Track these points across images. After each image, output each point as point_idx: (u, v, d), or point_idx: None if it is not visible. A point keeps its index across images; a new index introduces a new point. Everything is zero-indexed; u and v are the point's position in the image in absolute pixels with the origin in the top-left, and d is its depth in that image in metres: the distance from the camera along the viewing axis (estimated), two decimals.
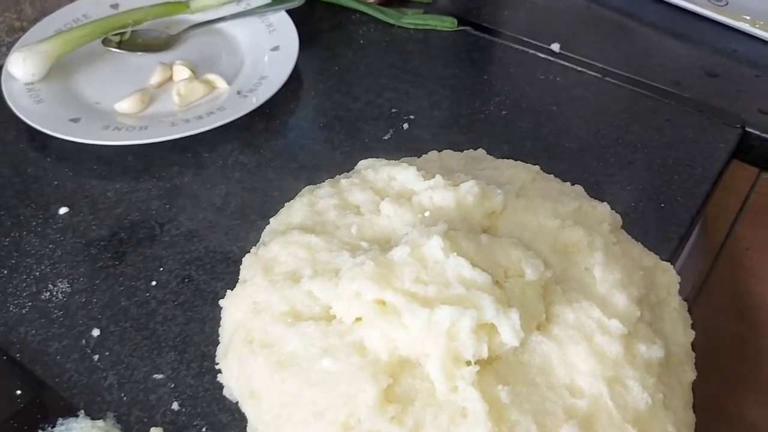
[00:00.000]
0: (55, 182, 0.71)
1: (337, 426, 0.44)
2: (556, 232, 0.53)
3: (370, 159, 0.61)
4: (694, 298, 0.93)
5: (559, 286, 0.50)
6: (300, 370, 0.47)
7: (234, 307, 0.52)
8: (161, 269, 0.63)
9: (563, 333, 0.47)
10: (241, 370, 0.49)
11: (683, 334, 0.52)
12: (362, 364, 0.45)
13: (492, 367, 0.46)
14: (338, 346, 0.47)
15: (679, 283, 0.54)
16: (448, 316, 0.44)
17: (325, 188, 0.58)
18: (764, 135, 0.76)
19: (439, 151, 0.65)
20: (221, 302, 0.53)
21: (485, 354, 0.45)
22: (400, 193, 0.55)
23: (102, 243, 0.65)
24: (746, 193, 0.82)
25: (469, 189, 0.53)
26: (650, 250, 0.58)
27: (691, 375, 0.50)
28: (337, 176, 0.61)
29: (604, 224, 0.55)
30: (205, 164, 0.73)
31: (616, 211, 0.60)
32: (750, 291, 0.92)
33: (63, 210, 0.68)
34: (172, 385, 0.55)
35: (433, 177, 0.54)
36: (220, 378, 0.52)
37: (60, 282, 0.62)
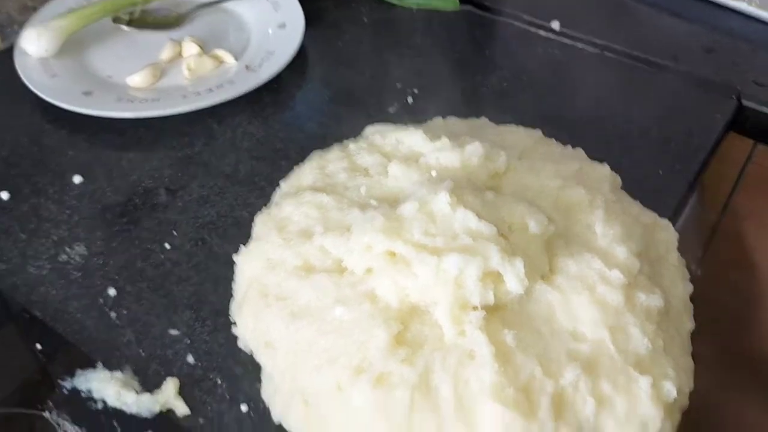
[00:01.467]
0: (70, 152, 0.73)
1: (349, 370, 0.46)
2: (558, 191, 0.55)
3: (377, 125, 0.63)
4: (700, 270, 0.94)
5: (561, 239, 0.52)
6: (314, 320, 0.49)
7: (248, 264, 0.54)
8: (175, 233, 0.65)
9: (566, 283, 0.49)
10: (256, 323, 0.51)
11: (682, 288, 0.54)
12: (373, 312, 0.47)
13: (498, 314, 0.48)
14: (350, 295, 0.49)
15: (678, 240, 0.56)
16: (456, 263, 0.46)
17: (335, 152, 0.60)
18: (759, 107, 0.78)
19: (443, 119, 0.67)
20: (235, 257, 0.55)
21: (491, 300, 0.47)
22: (408, 156, 0.57)
23: (117, 208, 0.67)
24: (743, 164, 0.84)
25: (473, 150, 0.55)
26: None
27: (689, 325, 0.52)
28: (345, 141, 0.63)
29: (605, 184, 0.57)
30: (215, 135, 0.75)
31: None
32: (748, 263, 0.94)
33: (78, 179, 0.70)
34: (188, 341, 0.57)
35: (440, 139, 0.56)
36: (234, 330, 0.54)
37: (77, 245, 0.64)
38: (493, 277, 0.48)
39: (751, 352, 1.00)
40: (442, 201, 0.50)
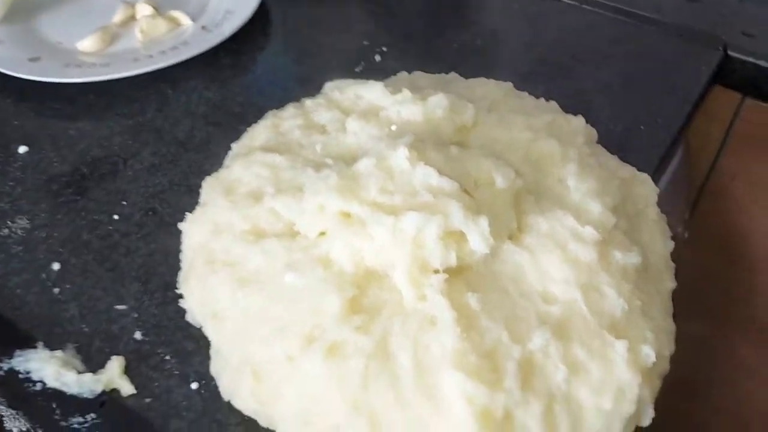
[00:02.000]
0: (15, 122, 0.68)
1: (300, 339, 0.42)
2: (529, 144, 0.51)
3: (336, 80, 0.59)
4: (687, 233, 0.91)
5: (531, 195, 0.48)
6: (263, 287, 0.45)
7: (194, 230, 0.50)
8: (124, 203, 0.61)
9: (536, 241, 0.46)
10: (202, 292, 0.47)
11: (662, 244, 0.50)
12: (326, 277, 0.44)
13: (462, 276, 0.44)
14: (302, 260, 0.45)
15: (658, 195, 0.52)
16: (414, 222, 0.42)
17: (289, 110, 0.56)
18: (746, 57, 0.74)
19: (409, 74, 0.63)
20: (180, 225, 0.51)
21: (454, 262, 0.43)
22: (367, 111, 0.53)
23: (63, 179, 0.63)
24: (730, 121, 0.80)
25: (437, 102, 0.51)
26: None
27: (670, 284, 0.49)
28: (303, 99, 0.59)
29: (579, 137, 0.53)
30: (168, 100, 0.71)
31: (598, 133, 0.58)
32: (737, 223, 0.90)
33: (23, 149, 0.65)
34: (136, 315, 0.53)
35: (401, 92, 0.52)
36: (182, 303, 0.50)
37: (19, 218, 0.59)
38: (455, 237, 0.44)
39: (737, 313, 0.97)
40: (400, 156, 0.46)
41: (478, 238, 0.43)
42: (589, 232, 0.45)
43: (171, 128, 0.68)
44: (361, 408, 0.40)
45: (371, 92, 0.54)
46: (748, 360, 1.02)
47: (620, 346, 0.42)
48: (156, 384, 0.49)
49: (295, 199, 0.46)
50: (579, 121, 0.55)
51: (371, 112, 0.53)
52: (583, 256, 0.45)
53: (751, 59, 0.73)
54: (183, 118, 0.69)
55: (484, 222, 0.43)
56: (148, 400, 0.49)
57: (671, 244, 0.50)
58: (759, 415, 1.09)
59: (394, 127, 0.50)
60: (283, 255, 0.45)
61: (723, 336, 1.01)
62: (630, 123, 0.66)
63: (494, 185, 0.46)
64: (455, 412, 0.39)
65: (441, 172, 0.45)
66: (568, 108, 0.64)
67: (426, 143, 0.48)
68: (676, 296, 0.98)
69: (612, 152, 0.58)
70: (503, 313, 0.43)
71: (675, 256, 0.82)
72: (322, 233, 0.45)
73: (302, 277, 0.44)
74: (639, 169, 0.58)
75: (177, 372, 0.50)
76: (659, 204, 0.69)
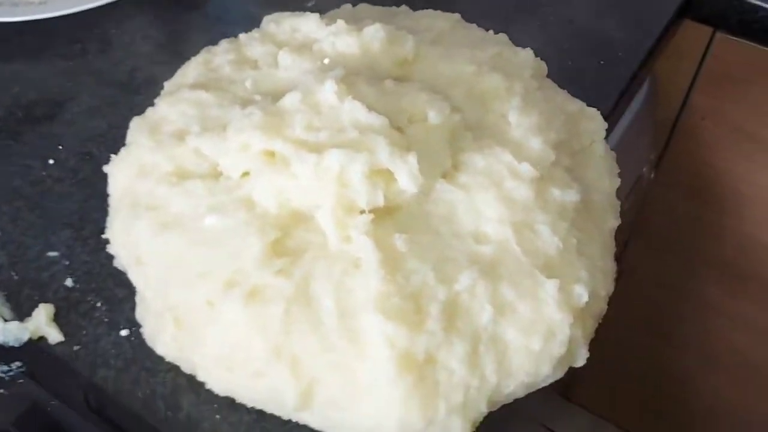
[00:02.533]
0: None
1: (221, 283, 0.41)
2: (473, 78, 0.49)
3: (275, 13, 0.56)
4: (653, 173, 0.89)
5: (470, 132, 0.46)
6: (185, 230, 0.43)
7: (119, 173, 0.48)
8: (60, 147, 0.58)
9: (471, 180, 0.44)
10: (127, 237, 0.46)
11: (608, 182, 0.48)
12: (248, 219, 0.42)
13: (392, 216, 0.42)
14: (225, 202, 0.43)
15: (606, 130, 0.50)
16: (338, 160, 0.40)
17: (223, 44, 0.53)
18: None
19: (354, 6, 0.60)
20: (105, 168, 0.49)
21: (381, 201, 0.41)
22: (302, 44, 0.50)
23: None
24: (700, 58, 0.77)
25: (374, 34, 0.48)
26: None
27: (613, 222, 0.47)
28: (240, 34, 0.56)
29: (526, 70, 0.50)
30: (111, 40, 0.67)
31: (553, 70, 0.56)
32: (707, 165, 0.88)
33: None
34: (67, 263, 0.51)
35: (336, 23, 0.49)
36: (108, 248, 0.48)
37: None
38: (384, 176, 0.42)
39: (705, 253, 0.96)
40: (328, 91, 0.43)
41: (406, 176, 0.41)
42: (526, 168, 0.43)
43: (112, 69, 0.65)
44: (282, 353, 0.39)
45: (306, 24, 0.51)
46: (716, 298, 1.02)
47: (551, 286, 0.40)
48: (85, 332, 0.48)
49: (220, 138, 0.44)
50: (527, 53, 0.52)
51: (306, 45, 0.50)
52: (518, 194, 0.43)
53: None
54: (126, 59, 0.66)
55: (412, 159, 0.41)
56: (76, 348, 0.47)
57: (617, 182, 0.48)
58: (725, 351, 1.09)
59: (327, 61, 0.48)
60: (206, 197, 0.43)
61: (690, 275, 1.01)
62: (589, 57, 0.64)
63: (428, 121, 0.44)
64: (376, 355, 0.38)
65: (372, 108, 0.43)
66: (526, 42, 0.62)
67: (359, 77, 0.45)
68: (642, 235, 0.97)
69: (568, 88, 0.56)
70: (432, 254, 0.41)
71: (641, 195, 0.81)
72: (246, 173, 0.43)
73: (224, 219, 0.42)
74: (595, 106, 0.55)
75: (107, 319, 0.49)
76: (621, 143, 0.67)
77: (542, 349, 0.40)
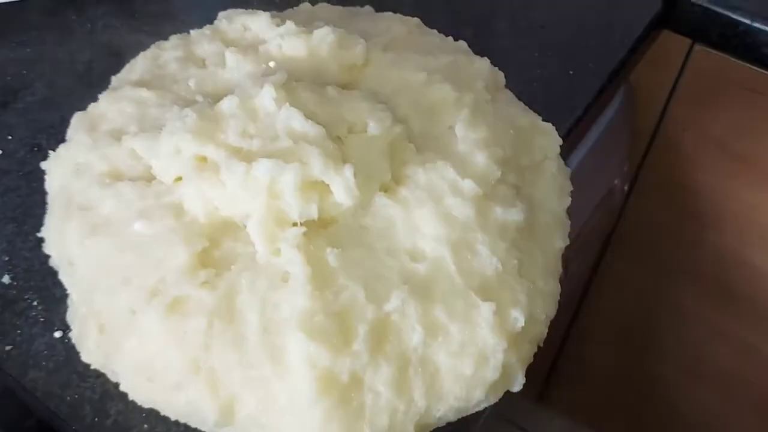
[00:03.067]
0: None
1: (144, 292, 0.39)
2: (421, 87, 0.47)
3: (230, 9, 0.54)
4: (627, 185, 0.88)
5: (413, 144, 0.44)
6: (113, 234, 0.42)
7: (56, 170, 0.46)
8: (9, 137, 0.57)
9: (411, 195, 0.42)
10: (59, 237, 0.44)
11: (557, 201, 0.47)
12: (175, 227, 0.40)
13: (326, 230, 0.41)
14: (154, 207, 0.42)
15: (561, 146, 0.49)
16: (268, 170, 0.39)
17: (172, 40, 0.51)
18: (695, 0, 0.68)
19: (313, 5, 0.58)
20: (42, 164, 0.48)
21: (314, 214, 0.40)
22: (250, 44, 0.49)
23: None
24: (679, 68, 0.75)
25: (322, 37, 0.47)
26: (552, 120, 0.52)
27: (560, 243, 0.45)
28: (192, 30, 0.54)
29: (479, 81, 0.49)
30: (70, 28, 0.66)
31: (520, 79, 0.54)
32: (687, 177, 0.87)
33: None
34: (6, 258, 0.50)
35: (285, 23, 0.48)
36: (44, 247, 0.47)
37: None
38: (319, 188, 0.40)
39: (683, 265, 0.94)
40: (265, 96, 0.42)
41: (341, 189, 0.40)
42: (468, 186, 0.42)
43: (70, 59, 0.63)
44: (200, 368, 0.38)
45: (257, 23, 0.49)
46: (695, 310, 1.01)
47: (486, 309, 0.39)
48: (18, 331, 0.47)
49: (154, 140, 0.43)
50: (482, 63, 0.50)
51: (253, 45, 0.48)
52: (459, 212, 0.41)
53: (699, 2, 0.68)
54: (84, 48, 0.64)
55: (348, 172, 0.40)
56: (8, 348, 0.46)
57: (567, 201, 0.47)
58: (705, 361, 1.08)
59: (272, 64, 0.46)
60: (136, 201, 0.42)
61: (669, 286, 0.99)
62: (557, 67, 0.62)
63: (368, 132, 0.43)
64: (296, 374, 0.37)
65: (311, 116, 0.42)
66: (496, 48, 0.60)
67: (300, 83, 0.44)
68: (620, 247, 0.96)
69: (534, 98, 0.54)
70: (365, 270, 0.40)
71: (614, 207, 0.79)
72: (179, 178, 0.42)
73: (151, 226, 0.41)
74: (561, 119, 0.54)
75: (42, 319, 0.47)
76: (591, 155, 0.65)
77: (474, 373, 0.39)
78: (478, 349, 0.39)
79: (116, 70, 0.61)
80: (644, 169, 0.87)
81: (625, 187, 0.81)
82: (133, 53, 0.63)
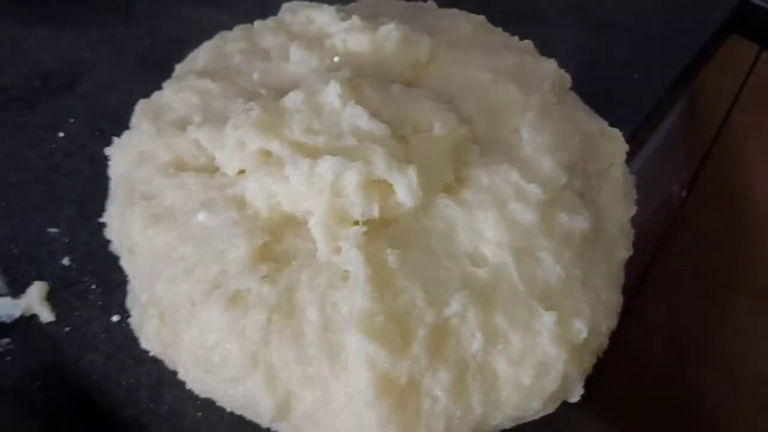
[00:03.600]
0: None
1: (205, 284, 0.39)
2: (487, 87, 0.46)
3: (294, 1, 0.54)
4: (684, 192, 0.85)
5: (478, 146, 0.43)
6: (175, 224, 0.42)
7: (119, 157, 0.47)
8: (72, 120, 0.58)
9: (474, 197, 0.42)
10: (121, 224, 0.45)
11: (623, 209, 0.45)
12: (238, 220, 0.40)
13: (387, 230, 0.41)
14: (217, 199, 0.42)
15: (629, 152, 0.47)
16: (333, 168, 0.39)
17: (236, 31, 0.51)
18: (766, 5, 0.66)
19: None
20: (106, 150, 0.48)
21: (376, 213, 0.40)
22: (315, 38, 0.48)
23: (12, 91, 0.60)
24: (745, 75, 0.73)
25: (388, 33, 0.46)
26: (615, 124, 0.51)
27: (624, 253, 0.44)
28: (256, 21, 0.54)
29: (546, 82, 0.48)
30: (135, 14, 0.67)
31: (583, 80, 0.53)
32: (746, 186, 0.84)
33: None
34: (67, 240, 0.51)
35: (351, 18, 0.47)
36: (105, 232, 0.48)
37: None
38: (381, 187, 0.40)
39: (736, 277, 0.92)
40: (331, 93, 0.41)
41: (404, 189, 0.39)
42: (533, 191, 0.41)
43: (132, 44, 0.64)
44: (259, 362, 0.38)
45: (321, 17, 0.49)
46: (744, 324, 0.98)
47: (548, 319, 0.38)
48: (77, 313, 0.48)
49: (219, 132, 0.43)
50: (550, 64, 0.49)
51: (317, 39, 0.48)
52: (522, 217, 0.41)
53: None
54: (146, 34, 0.65)
55: (412, 172, 0.39)
56: (66, 329, 0.47)
57: (633, 209, 0.46)
58: (750, 377, 1.05)
59: (337, 59, 0.46)
60: (199, 192, 0.42)
61: (719, 298, 0.97)
62: (622, 69, 0.60)
63: (433, 132, 0.42)
64: (355, 374, 0.37)
65: (375, 114, 0.41)
66: (561, 47, 0.59)
67: (365, 80, 0.43)
68: (672, 254, 0.93)
69: (596, 102, 0.53)
70: (424, 273, 0.39)
71: (671, 215, 0.77)
72: (242, 171, 0.42)
73: (214, 217, 0.41)
74: (624, 123, 0.52)
75: (100, 303, 0.48)
76: (651, 160, 0.63)
77: (533, 383, 0.38)
78: (538, 358, 0.38)
79: (177, 56, 0.62)
80: (702, 176, 0.84)
81: (683, 194, 0.79)
82: (194, 41, 0.63)
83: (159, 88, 0.59)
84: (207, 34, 0.63)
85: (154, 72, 0.61)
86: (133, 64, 0.62)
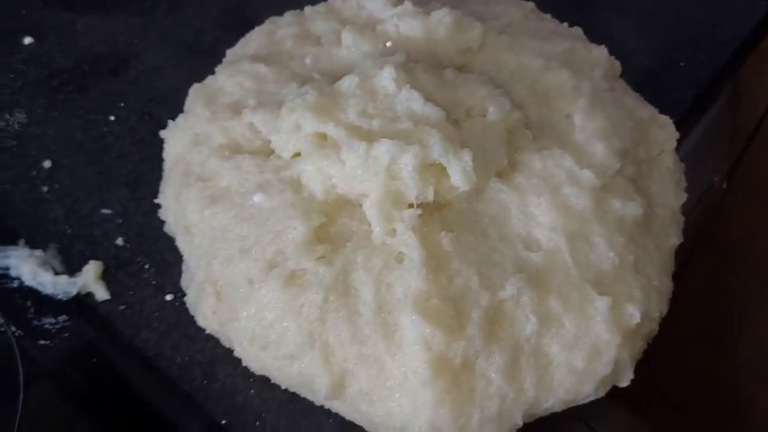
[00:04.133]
0: (23, 12, 0.66)
1: (262, 263, 0.40)
2: (538, 73, 0.46)
3: None
4: (725, 183, 0.84)
5: (530, 131, 0.44)
6: (231, 205, 0.43)
7: (175, 139, 0.48)
8: (122, 104, 0.59)
9: (527, 182, 0.42)
10: (177, 205, 0.46)
11: (673, 196, 0.45)
12: (294, 201, 0.41)
13: (440, 213, 0.41)
14: (272, 181, 0.42)
15: (678, 140, 0.47)
16: (388, 151, 0.39)
17: (287, 17, 0.52)
18: None
19: None
20: (162, 133, 0.49)
21: (430, 197, 0.40)
22: (366, 23, 0.49)
23: (65, 75, 0.61)
24: None
25: (440, 18, 0.46)
26: (661, 112, 0.51)
27: (674, 240, 0.44)
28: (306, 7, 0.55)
29: (597, 69, 0.48)
30: (182, 2, 0.67)
31: (628, 67, 0.53)
32: None
33: (28, 40, 0.64)
34: (120, 221, 0.52)
35: (402, 3, 0.48)
36: (160, 213, 0.49)
37: (18, 112, 0.59)
38: (436, 171, 0.40)
39: None
40: (386, 77, 0.42)
41: (459, 173, 0.40)
42: (586, 176, 0.41)
43: (180, 30, 0.65)
44: (315, 340, 0.39)
45: (372, 2, 0.49)
46: None
47: (602, 303, 0.39)
48: (131, 292, 0.49)
49: (274, 115, 0.44)
50: (600, 51, 0.49)
51: (369, 25, 0.48)
52: (576, 202, 0.41)
53: None
54: (193, 20, 0.66)
55: (467, 156, 0.40)
56: (121, 307, 0.48)
57: (683, 197, 0.46)
58: None
59: (389, 44, 0.46)
60: (255, 174, 0.43)
61: (758, 291, 0.96)
62: (668, 58, 0.60)
63: (486, 116, 0.42)
64: (411, 355, 0.37)
65: (429, 98, 0.42)
66: (605, 35, 0.58)
67: (418, 65, 0.44)
68: (711, 247, 0.92)
69: (642, 89, 0.53)
70: (478, 256, 0.40)
71: (711, 205, 0.76)
72: (297, 154, 0.43)
73: (270, 199, 0.42)
74: (669, 111, 0.52)
75: (154, 282, 0.49)
76: (694, 150, 0.63)
77: (586, 367, 0.39)
78: (591, 342, 0.39)
79: (224, 42, 0.63)
80: (742, 167, 0.84)
81: (724, 185, 0.78)
82: (241, 27, 0.64)
83: (205, 73, 0.60)
84: (251, 23, 0.64)
85: (200, 58, 0.62)
86: (180, 51, 0.63)
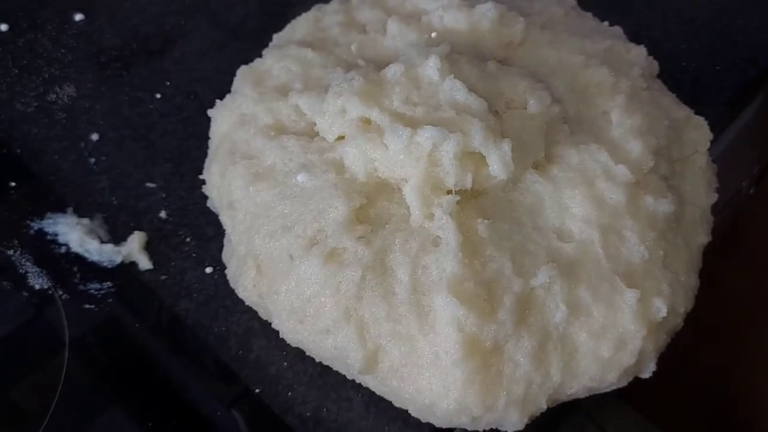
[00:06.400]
0: None
1: (303, 240, 0.42)
2: (578, 69, 0.47)
3: None
4: (753, 188, 0.85)
5: (568, 125, 0.45)
6: (275, 183, 0.44)
7: (222, 118, 0.50)
8: (168, 83, 0.61)
9: (562, 174, 0.43)
10: (221, 181, 0.48)
11: (704, 196, 0.46)
12: (337, 182, 0.43)
13: (477, 201, 0.43)
14: (316, 162, 0.44)
15: (711, 141, 0.48)
16: (431, 137, 0.40)
17: (333, 4, 0.53)
18: None
19: None
20: (209, 112, 0.51)
21: (469, 184, 0.41)
22: (411, 13, 0.50)
23: (113, 52, 0.63)
24: None
25: (485, 12, 0.48)
26: (696, 113, 0.52)
27: (703, 239, 0.45)
28: None
29: (635, 68, 0.49)
30: None
31: (665, 68, 0.53)
32: None
33: (79, 16, 0.66)
34: (163, 195, 0.54)
35: None
36: (204, 189, 0.50)
37: (67, 86, 0.61)
38: (475, 159, 0.42)
39: None
40: (430, 67, 0.43)
41: (498, 162, 0.41)
42: (621, 171, 0.42)
43: (226, 13, 0.67)
44: (351, 316, 0.40)
45: None
46: None
47: (630, 295, 0.40)
48: (173, 263, 0.51)
49: (320, 98, 0.45)
50: (639, 50, 0.50)
51: (414, 15, 0.50)
52: (610, 196, 0.42)
53: None
54: (239, 4, 0.67)
55: (506, 146, 0.41)
56: (163, 277, 0.50)
57: (714, 197, 0.47)
58: None
59: (434, 35, 0.47)
60: (299, 154, 0.45)
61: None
62: (705, 61, 0.61)
63: (526, 109, 0.43)
64: (443, 335, 0.39)
65: (472, 89, 0.43)
66: (643, 35, 0.59)
67: (462, 56, 0.45)
68: (736, 252, 0.93)
69: (677, 90, 0.54)
70: (512, 244, 0.41)
71: (737, 208, 0.77)
72: (341, 137, 0.44)
73: (313, 179, 0.43)
74: (703, 113, 0.53)
75: (194, 255, 0.51)
76: (724, 154, 0.64)
77: (611, 357, 0.40)
78: (618, 333, 0.40)
79: (267, 27, 0.64)
80: None
81: (751, 190, 0.79)
82: (286, 12, 0.65)
83: (248, 56, 0.61)
84: (296, 8, 0.65)
85: (244, 41, 0.64)
86: (226, 33, 0.65)
